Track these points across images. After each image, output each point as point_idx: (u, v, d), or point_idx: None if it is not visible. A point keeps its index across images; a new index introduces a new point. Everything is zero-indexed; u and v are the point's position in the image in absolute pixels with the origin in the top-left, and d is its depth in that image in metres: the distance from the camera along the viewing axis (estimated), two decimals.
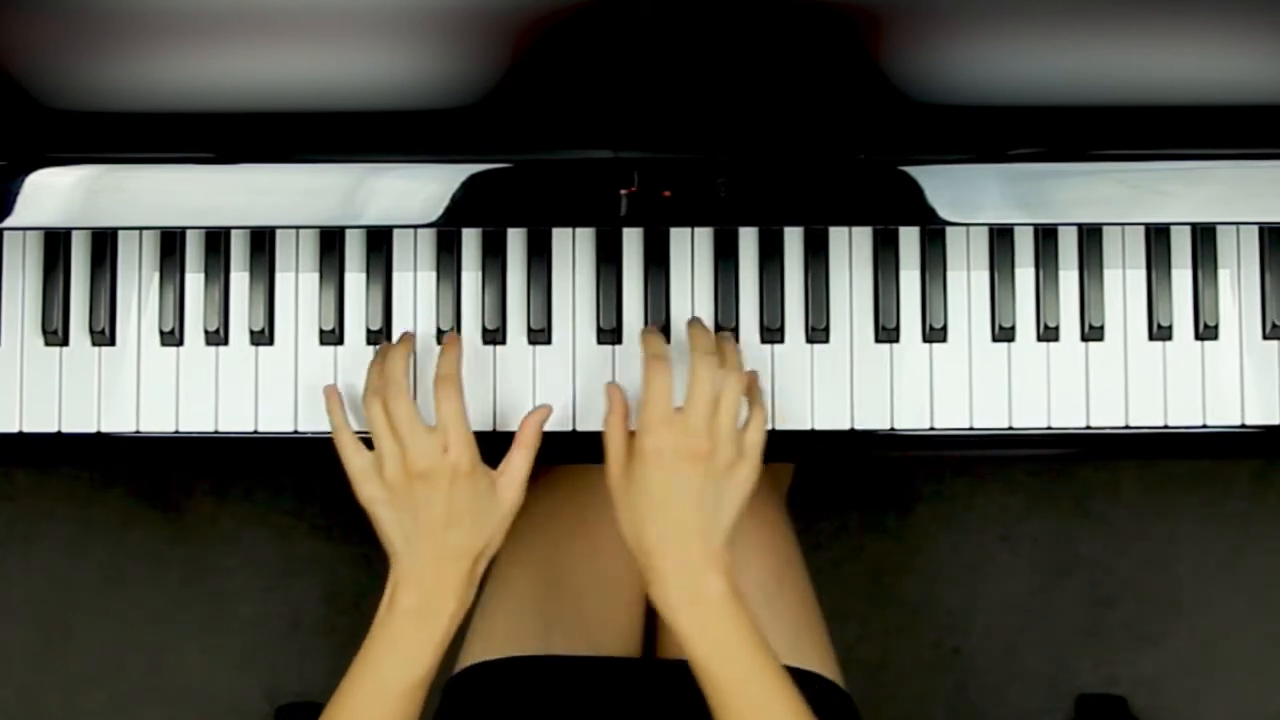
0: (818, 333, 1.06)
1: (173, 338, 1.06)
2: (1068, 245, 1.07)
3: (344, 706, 0.96)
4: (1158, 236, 1.07)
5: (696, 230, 1.07)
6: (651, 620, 1.23)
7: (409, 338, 1.04)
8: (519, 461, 0.99)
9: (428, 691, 0.98)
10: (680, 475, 0.95)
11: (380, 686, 0.95)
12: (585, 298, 1.07)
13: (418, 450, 0.95)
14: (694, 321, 1.04)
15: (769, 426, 1.04)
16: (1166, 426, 1.06)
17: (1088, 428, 1.06)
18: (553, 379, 1.06)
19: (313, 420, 1.06)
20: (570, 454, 1.06)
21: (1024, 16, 0.97)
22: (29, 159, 0.97)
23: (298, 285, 1.07)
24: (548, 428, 1.04)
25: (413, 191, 0.98)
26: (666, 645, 1.20)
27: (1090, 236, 1.06)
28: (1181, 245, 1.07)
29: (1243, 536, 1.70)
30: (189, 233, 1.07)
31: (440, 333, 1.06)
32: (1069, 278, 1.07)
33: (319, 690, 1.68)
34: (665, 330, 1.06)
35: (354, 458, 0.98)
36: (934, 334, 1.06)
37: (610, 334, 1.06)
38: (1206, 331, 1.06)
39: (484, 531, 0.97)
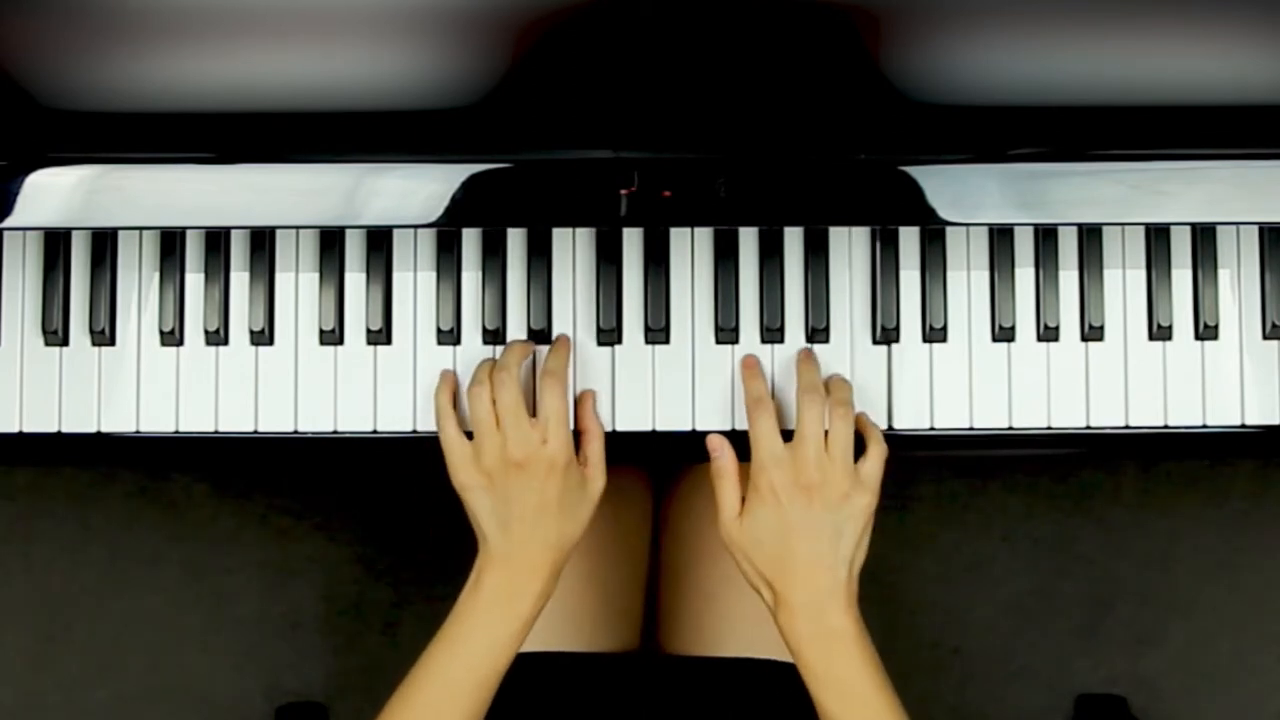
0: (818, 333, 1.06)
1: (173, 338, 1.06)
2: (1068, 245, 1.07)
3: (416, 697, 0.96)
4: (1158, 236, 1.07)
5: (696, 230, 1.07)
6: (652, 614, 1.23)
7: (530, 342, 1.05)
8: (596, 450, 1.02)
9: (493, 693, 0.98)
10: (795, 508, 0.97)
11: (458, 672, 0.96)
12: (585, 298, 1.07)
13: (518, 440, 0.97)
14: (803, 357, 1.04)
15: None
16: (1166, 426, 1.06)
17: (1088, 428, 1.06)
18: None
19: (313, 420, 1.06)
20: None
21: (1024, 16, 0.97)
22: (29, 159, 0.97)
23: (298, 285, 1.07)
24: None
25: (413, 191, 0.98)
26: (669, 640, 1.20)
27: (1090, 236, 1.06)
28: (1181, 245, 1.07)
29: (1243, 536, 1.70)
30: (189, 233, 1.07)
31: (441, 333, 1.06)
32: (1069, 278, 1.07)
33: (319, 690, 1.68)
34: (666, 330, 1.06)
35: (455, 443, 1.00)
36: (934, 334, 1.06)
37: (610, 334, 1.06)
38: (1206, 331, 1.06)
39: (572, 521, 0.99)
